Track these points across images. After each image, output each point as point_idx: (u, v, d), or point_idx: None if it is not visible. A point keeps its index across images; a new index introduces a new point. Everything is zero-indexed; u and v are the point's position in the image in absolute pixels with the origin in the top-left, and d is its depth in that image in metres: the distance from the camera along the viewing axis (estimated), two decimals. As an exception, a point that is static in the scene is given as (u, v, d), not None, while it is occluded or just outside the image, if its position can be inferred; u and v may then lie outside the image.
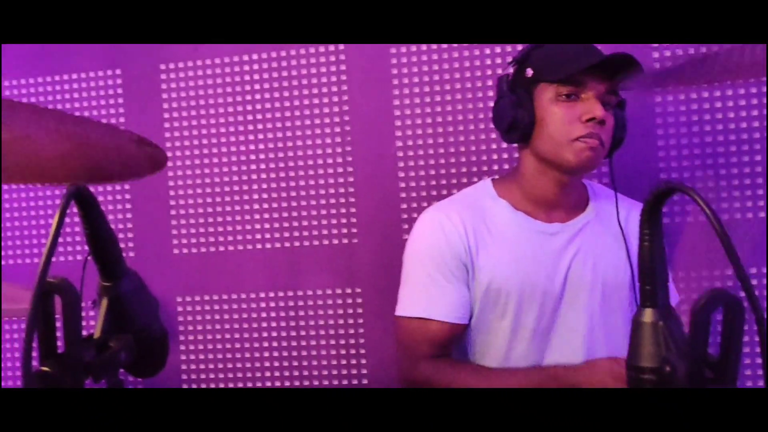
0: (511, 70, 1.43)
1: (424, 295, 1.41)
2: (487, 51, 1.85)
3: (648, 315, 0.65)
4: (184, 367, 2.00)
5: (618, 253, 1.43)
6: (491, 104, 1.83)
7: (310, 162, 1.94)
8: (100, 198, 2.02)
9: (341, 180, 1.93)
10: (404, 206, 1.89)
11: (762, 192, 1.75)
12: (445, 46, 1.87)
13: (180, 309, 2.01)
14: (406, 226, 1.88)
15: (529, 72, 1.38)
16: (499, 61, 1.85)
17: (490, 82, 1.84)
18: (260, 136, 1.96)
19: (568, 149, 1.34)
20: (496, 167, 1.85)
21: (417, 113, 1.89)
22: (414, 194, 1.89)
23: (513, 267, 1.40)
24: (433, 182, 1.88)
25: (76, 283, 0.79)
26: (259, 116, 1.96)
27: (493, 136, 1.81)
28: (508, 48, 1.82)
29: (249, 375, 1.96)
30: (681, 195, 1.48)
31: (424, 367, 1.39)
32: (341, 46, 1.92)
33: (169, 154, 2.01)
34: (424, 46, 1.88)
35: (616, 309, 1.42)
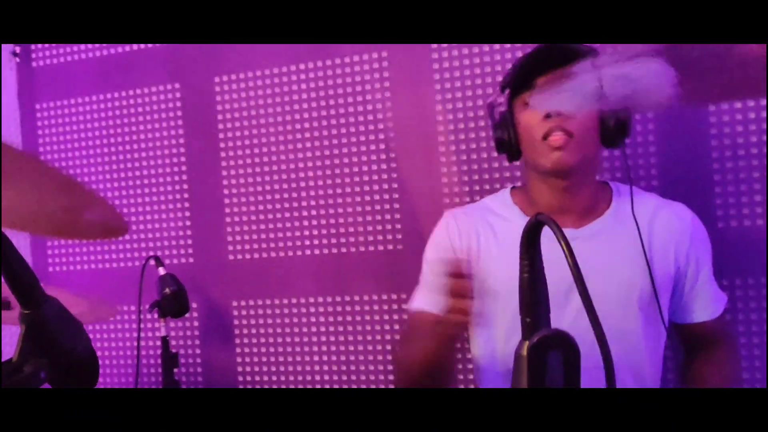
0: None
1: (426, 288, 1.43)
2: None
3: (526, 348, 0.65)
4: (240, 369, 2.08)
5: (637, 261, 1.35)
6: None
7: (356, 169, 1.96)
8: (162, 207, 2.13)
9: (386, 186, 1.94)
10: (448, 212, 1.88)
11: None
12: (486, 47, 1.85)
13: (236, 313, 2.09)
14: (449, 232, 1.87)
15: (506, 92, 1.40)
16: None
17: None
18: (308, 144, 2.00)
19: (539, 153, 1.34)
20: (540, 171, 1.81)
21: (460, 118, 1.88)
22: (458, 200, 1.88)
23: (514, 270, 1.36)
24: (477, 187, 1.86)
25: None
26: (306, 125, 2.00)
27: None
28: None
29: (300, 378, 2.02)
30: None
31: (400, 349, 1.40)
32: (384, 53, 1.93)
33: (224, 164, 2.09)
34: (465, 49, 1.86)
35: (633, 321, 1.35)
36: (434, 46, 1.89)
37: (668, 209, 1.44)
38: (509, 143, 1.40)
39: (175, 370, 1.86)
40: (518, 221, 1.41)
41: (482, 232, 1.42)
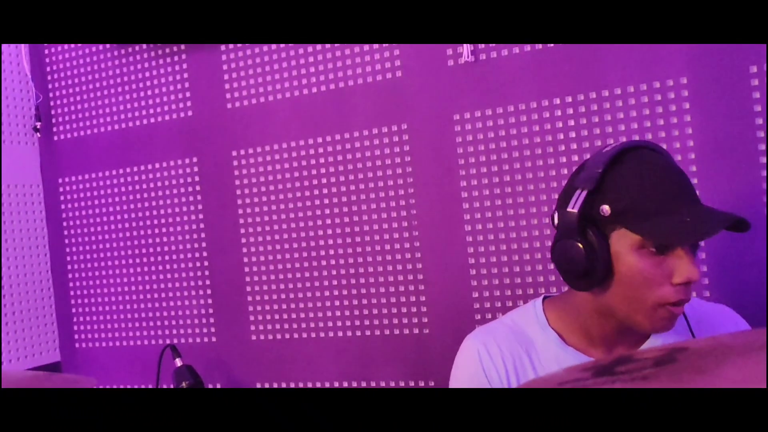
0: (577, 197, 1.09)
1: None
2: (560, 105, 1.68)
3: None
4: (265, 453, 2.00)
5: None
6: (562, 180, 1.67)
7: (378, 248, 1.86)
8: (183, 285, 2.07)
9: (410, 267, 1.83)
10: (476, 295, 1.76)
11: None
12: (512, 117, 1.72)
13: (259, 395, 2.01)
14: (477, 317, 1.75)
15: (606, 210, 1.07)
16: (566, 114, 1.67)
17: (562, 147, 1.67)
18: (328, 222, 1.91)
19: (647, 314, 1.08)
20: (573, 253, 1.67)
21: (486, 195, 1.75)
22: (485, 282, 1.75)
23: None
24: (506, 269, 1.74)
25: None
26: (326, 201, 1.91)
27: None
28: (568, 98, 1.64)
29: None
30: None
31: None
32: (404, 125, 1.83)
33: (243, 240, 2.02)
34: (489, 120, 1.74)
35: None
36: (456, 117, 1.78)
37: (715, 314, 1.28)
38: (599, 277, 1.08)
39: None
40: (556, 351, 1.21)
41: (518, 362, 1.22)
